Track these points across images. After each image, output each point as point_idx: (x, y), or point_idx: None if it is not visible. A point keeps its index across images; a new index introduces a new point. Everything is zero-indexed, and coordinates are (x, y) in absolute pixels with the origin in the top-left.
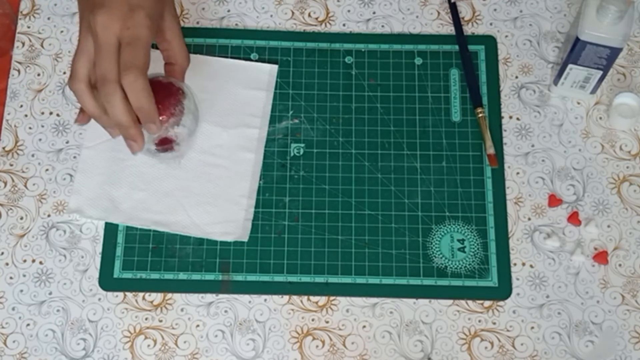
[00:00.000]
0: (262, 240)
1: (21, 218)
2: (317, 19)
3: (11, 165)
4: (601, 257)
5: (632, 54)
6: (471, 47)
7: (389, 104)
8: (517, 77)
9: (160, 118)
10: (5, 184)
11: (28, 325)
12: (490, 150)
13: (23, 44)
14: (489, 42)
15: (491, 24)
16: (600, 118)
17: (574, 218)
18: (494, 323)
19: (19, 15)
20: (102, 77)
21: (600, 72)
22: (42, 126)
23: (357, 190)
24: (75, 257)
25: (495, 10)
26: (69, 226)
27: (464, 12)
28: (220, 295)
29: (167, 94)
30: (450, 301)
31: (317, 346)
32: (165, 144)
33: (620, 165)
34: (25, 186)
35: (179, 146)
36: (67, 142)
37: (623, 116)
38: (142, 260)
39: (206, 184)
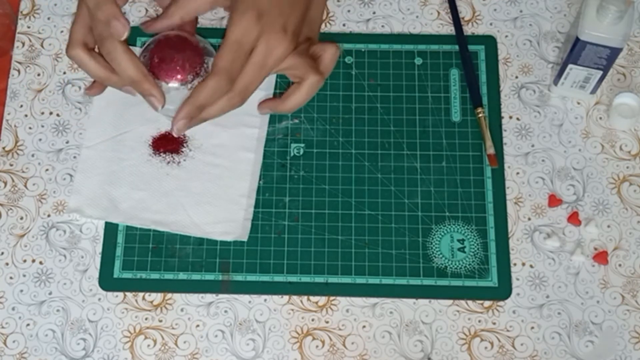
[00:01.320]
0: (262, 240)
1: (21, 218)
2: None
3: (11, 165)
4: (601, 257)
5: (632, 54)
6: (471, 47)
7: (389, 104)
8: (517, 77)
9: (179, 77)
10: (5, 184)
11: (28, 325)
12: (490, 150)
13: (23, 44)
14: (489, 42)
15: (491, 24)
16: (600, 118)
17: (574, 218)
18: (494, 323)
19: (19, 15)
20: (99, 36)
21: (600, 72)
22: (42, 126)
23: (357, 190)
24: (75, 257)
25: (495, 10)
26: (69, 226)
27: (464, 12)
28: (220, 295)
29: (192, 52)
30: (450, 301)
31: (317, 346)
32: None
33: (620, 165)
34: (25, 186)
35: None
36: (67, 142)
37: (623, 116)
38: (142, 260)
39: (206, 184)
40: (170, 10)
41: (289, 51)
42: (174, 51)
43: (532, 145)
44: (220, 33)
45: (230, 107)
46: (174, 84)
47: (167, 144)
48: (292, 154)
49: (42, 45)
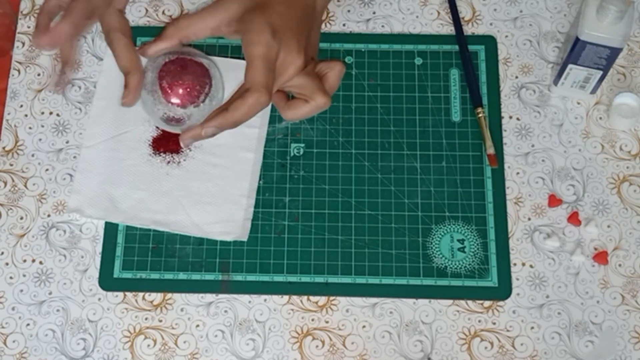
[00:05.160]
0: (262, 240)
1: (21, 218)
2: None
3: (11, 165)
4: (601, 257)
5: (632, 54)
6: (471, 47)
7: (389, 104)
8: (517, 77)
9: (191, 101)
10: (5, 184)
11: (28, 325)
12: (490, 150)
13: (23, 44)
14: (489, 42)
15: (491, 24)
16: (600, 118)
17: (574, 218)
18: (494, 323)
19: (19, 15)
20: (107, 26)
21: (600, 72)
22: (42, 126)
23: (357, 190)
24: (75, 257)
25: (495, 10)
26: (69, 226)
27: (464, 12)
28: (220, 295)
29: (199, 71)
30: (450, 301)
31: (317, 346)
32: (172, 120)
33: (620, 165)
34: (25, 186)
35: (186, 124)
36: (67, 142)
37: (623, 116)
38: (142, 260)
39: (206, 184)
40: (169, 32)
41: (301, 69)
42: (181, 74)
43: (532, 145)
44: (216, 39)
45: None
46: (186, 110)
47: (167, 144)
48: (292, 154)
49: None
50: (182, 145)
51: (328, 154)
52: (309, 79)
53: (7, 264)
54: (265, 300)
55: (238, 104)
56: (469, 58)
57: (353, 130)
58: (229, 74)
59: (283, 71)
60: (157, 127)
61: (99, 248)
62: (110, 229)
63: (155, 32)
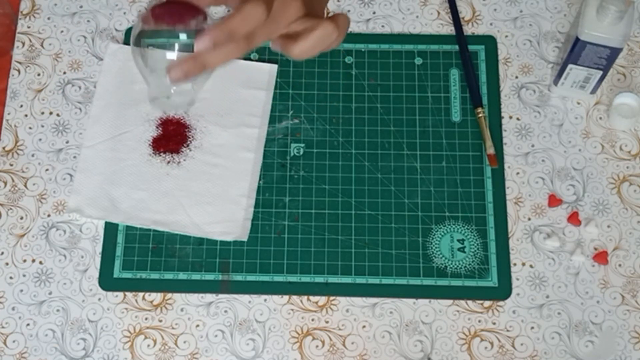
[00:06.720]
0: (262, 240)
1: (21, 218)
2: None
3: (11, 165)
4: (601, 257)
5: (632, 54)
6: (471, 47)
7: (389, 104)
8: (517, 77)
9: (182, 20)
10: (5, 184)
11: (28, 325)
12: (490, 150)
13: (23, 44)
14: (489, 42)
15: (491, 24)
16: (600, 118)
17: (574, 218)
18: (494, 323)
19: (19, 15)
20: None
21: (600, 72)
22: (42, 126)
23: (357, 190)
24: (75, 257)
25: (495, 10)
26: (69, 226)
27: (464, 12)
28: (220, 295)
29: (193, 6)
30: (450, 301)
31: (317, 346)
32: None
33: (620, 165)
34: (25, 186)
35: (194, 86)
36: (67, 142)
37: (623, 116)
38: (142, 260)
39: (206, 184)
40: None
41: (300, 13)
42: (172, 3)
43: (532, 145)
44: None
45: (232, 55)
46: (175, 37)
47: (167, 144)
48: (292, 154)
49: (42, 45)
50: (170, 81)
51: (328, 154)
52: (313, 19)
53: (7, 264)
54: (265, 300)
55: (233, 13)
56: (469, 58)
57: (353, 130)
58: (229, 74)
59: (282, 13)
60: (157, 128)
61: (99, 248)
62: (110, 229)
63: None
